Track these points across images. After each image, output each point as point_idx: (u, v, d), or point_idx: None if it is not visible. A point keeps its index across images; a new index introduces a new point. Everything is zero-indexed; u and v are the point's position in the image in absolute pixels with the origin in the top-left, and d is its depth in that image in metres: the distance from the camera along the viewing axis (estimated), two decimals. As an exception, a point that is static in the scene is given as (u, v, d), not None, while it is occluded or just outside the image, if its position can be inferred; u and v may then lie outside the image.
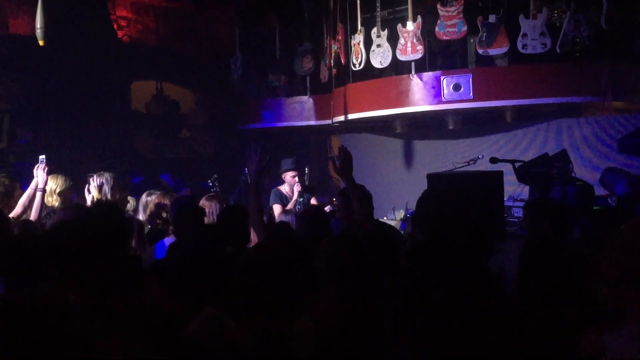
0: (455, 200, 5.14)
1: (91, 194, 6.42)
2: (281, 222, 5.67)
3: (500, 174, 5.70)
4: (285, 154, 12.88)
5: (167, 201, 6.74)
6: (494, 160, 6.59)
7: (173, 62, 12.96)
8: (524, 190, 8.48)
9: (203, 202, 6.85)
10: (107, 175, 6.56)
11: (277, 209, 7.63)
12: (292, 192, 7.80)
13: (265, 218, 5.80)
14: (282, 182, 8.10)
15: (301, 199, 7.59)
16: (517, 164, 6.48)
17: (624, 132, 8.95)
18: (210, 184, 9.35)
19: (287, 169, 7.88)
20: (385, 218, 9.29)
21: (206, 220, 6.54)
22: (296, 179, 7.72)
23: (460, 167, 8.87)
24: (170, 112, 13.46)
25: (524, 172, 6.45)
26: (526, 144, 9.86)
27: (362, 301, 3.62)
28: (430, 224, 4.25)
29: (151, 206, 6.69)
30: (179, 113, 13.67)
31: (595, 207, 7.48)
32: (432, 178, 5.58)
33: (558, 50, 8.95)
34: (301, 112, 11.75)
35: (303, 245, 4.58)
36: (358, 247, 3.87)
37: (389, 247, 4.98)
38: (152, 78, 13.37)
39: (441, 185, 5.43)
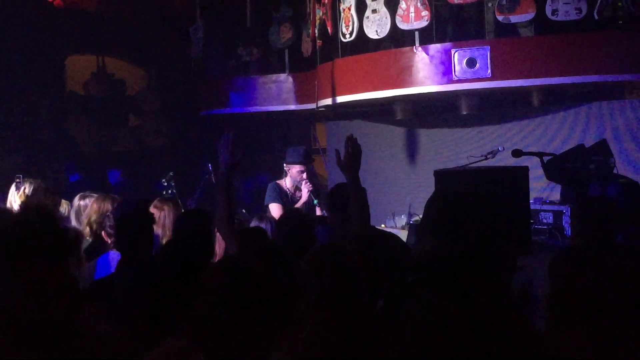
0: (470, 203, 5.18)
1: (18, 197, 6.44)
2: (255, 229, 5.68)
3: (525, 170, 5.74)
4: (257, 145, 12.98)
5: (108, 205, 6.73)
6: (517, 153, 6.64)
7: (118, 31, 12.96)
8: (555, 190, 8.55)
9: (154, 207, 6.85)
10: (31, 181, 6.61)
11: (275, 208, 7.62)
12: (295, 190, 7.80)
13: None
14: (259, 178, 8.09)
15: (315, 201, 7.58)
16: (546, 158, 6.53)
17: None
18: (165, 184, 9.36)
19: (293, 161, 7.87)
20: (383, 225, 9.30)
21: (157, 229, 6.56)
22: (304, 175, 7.72)
23: (476, 162, 8.92)
24: (114, 94, 13.47)
25: (555, 167, 6.51)
26: (557, 133, 9.90)
27: (353, 328, 3.64)
28: (439, 232, 4.28)
29: (89, 212, 6.68)
30: (126, 95, 13.66)
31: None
32: (440, 176, 5.62)
33: (596, 17, 8.99)
34: (278, 94, 11.75)
35: (282, 259, 4.60)
36: (350, 262, 3.89)
37: (389, 260, 5.03)
38: (91, 52, 13.37)
39: (452, 185, 5.45)
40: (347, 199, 5.32)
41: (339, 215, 5.62)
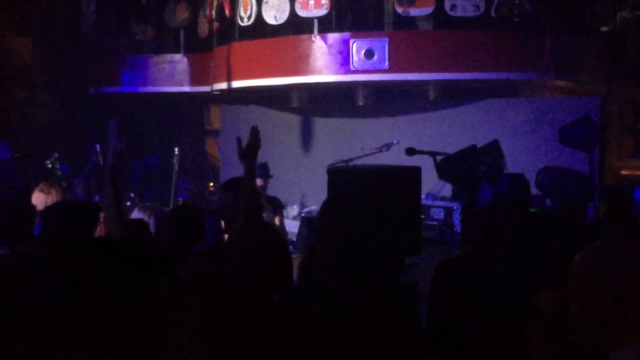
0: (362, 205, 5.22)
1: None
2: (136, 222, 5.54)
3: (417, 171, 5.77)
4: (148, 127, 12.75)
5: None
6: (411, 151, 6.68)
7: (3, -1, 12.51)
8: (447, 186, 8.70)
9: (39, 191, 6.64)
10: None
11: None
12: None
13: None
14: (149, 160, 7.93)
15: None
16: (439, 158, 6.60)
17: (567, 118, 9.25)
18: (50, 166, 9.09)
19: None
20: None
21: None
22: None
23: (370, 154, 8.99)
24: (-2, 66, 12.99)
25: (447, 167, 6.59)
26: (451, 128, 10.04)
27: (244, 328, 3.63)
28: (331, 234, 4.30)
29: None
30: (11, 67, 13.19)
31: (531, 209, 7.77)
32: (333, 173, 5.61)
33: (493, 15, 9.18)
34: (172, 74, 11.57)
35: (161, 256, 4.50)
36: (228, 267, 3.86)
37: (276, 261, 5.00)
38: (-29, 20, 12.86)
39: (345, 184, 5.46)
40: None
41: (229, 206, 5.55)
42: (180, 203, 7.11)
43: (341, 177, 5.55)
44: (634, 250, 2.73)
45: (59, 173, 9.19)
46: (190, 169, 12.79)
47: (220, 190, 5.71)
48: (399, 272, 5.16)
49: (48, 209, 5.56)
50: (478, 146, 8.04)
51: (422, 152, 6.64)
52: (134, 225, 5.31)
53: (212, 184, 13.33)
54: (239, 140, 4.87)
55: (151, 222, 5.89)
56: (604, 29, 10.03)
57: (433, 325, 4.17)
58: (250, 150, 4.73)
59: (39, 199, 6.48)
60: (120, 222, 4.82)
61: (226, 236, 5.81)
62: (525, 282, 3.76)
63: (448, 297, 4.14)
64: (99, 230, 5.63)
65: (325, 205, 4.71)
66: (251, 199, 4.92)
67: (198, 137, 13.83)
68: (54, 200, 6.56)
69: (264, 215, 7.48)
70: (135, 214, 6.06)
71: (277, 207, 7.75)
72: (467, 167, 6.65)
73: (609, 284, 2.62)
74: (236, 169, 11.17)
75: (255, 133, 4.72)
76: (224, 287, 3.72)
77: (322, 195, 9.37)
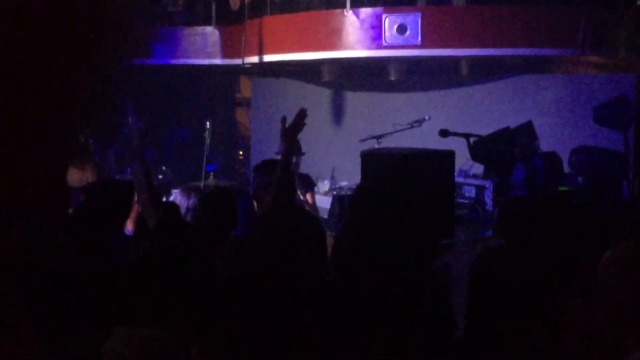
0: (396, 189, 5.20)
1: None
2: (168, 204, 5.55)
3: (451, 155, 5.74)
4: (180, 99, 12.78)
5: None
6: (444, 133, 6.63)
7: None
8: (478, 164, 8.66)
9: (74, 167, 6.69)
10: None
11: None
12: None
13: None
14: (182, 132, 7.96)
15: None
16: (472, 139, 6.56)
17: (602, 95, 9.18)
18: (83, 140, 9.15)
19: (277, 151, 7.77)
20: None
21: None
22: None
23: (401, 130, 8.97)
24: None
25: (481, 149, 6.56)
26: (483, 103, 10.00)
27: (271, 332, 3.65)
28: (363, 220, 4.31)
29: None
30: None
31: (563, 188, 7.74)
32: (367, 157, 5.59)
33: (528, -10, 9.07)
34: (204, 47, 11.55)
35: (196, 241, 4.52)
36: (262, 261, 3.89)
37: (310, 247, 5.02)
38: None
39: (378, 168, 5.45)
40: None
41: (262, 188, 5.56)
42: (213, 186, 7.10)
43: (375, 161, 5.53)
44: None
45: (92, 148, 9.24)
46: (221, 138, 12.84)
47: (254, 173, 5.71)
48: (432, 256, 5.18)
49: (88, 189, 5.62)
50: (511, 127, 8.02)
51: (455, 134, 6.59)
52: (166, 208, 5.35)
53: (241, 152, 13.38)
54: (283, 120, 4.86)
55: (191, 203, 5.92)
56: (640, 2, 9.87)
57: (471, 324, 4.16)
58: (293, 130, 4.72)
59: (74, 175, 6.55)
60: (153, 203, 4.86)
61: (258, 218, 5.83)
62: (562, 272, 3.77)
63: (487, 291, 4.13)
64: (135, 210, 5.71)
65: (358, 192, 4.71)
66: (284, 181, 4.93)
67: (229, 108, 13.85)
68: (89, 177, 6.63)
69: (301, 188, 7.54)
70: (180, 199, 6.09)
71: (309, 184, 7.75)
72: (501, 149, 6.62)
73: (632, 286, 2.65)
74: (267, 142, 11.30)
75: (302, 115, 4.69)
76: (255, 278, 3.77)
77: (353, 170, 9.43)
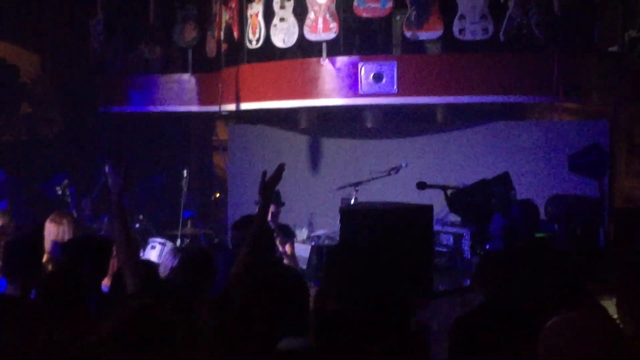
0: (374, 246, 5.24)
1: None
2: (145, 263, 5.56)
3: (429, 210, 5.82)
4: (155, 144, 12.79)
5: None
6: (421, 185, 6.73)
7: (11, 14, 12.56)
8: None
9: (51, 221, 6.68)
10: None
11: None
12: None
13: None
14: (156, 178, 7.94)
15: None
16: (449, 191, 6.64)
17: (576, 141, 9.30)
18: (60, 192, 9.11)
19: (257, 201, 7.76)
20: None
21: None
22: (269, 215, 7.57)
23: (378, 177, 9.03)
24: (6, 81, 13.00)
25: (459, 201, 6.63)
26: (460, 150, 10.09)
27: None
28: (343, 290, 4.33)
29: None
30: (19, 82, 13.24)
31: (539, 234, 7.81)
32: (346, 214, 5.64)
33: (502, 38, 9.18)
34: (180, 94, 11.57)
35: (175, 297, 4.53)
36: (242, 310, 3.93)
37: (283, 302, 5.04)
38: (-20, 35, 12.92)
39: (357, 225, 5.49)
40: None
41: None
42: (191, 247, 7.11)
43: (353, 217, 5.58)
44: (594, 330, 2.82)
45: (69, 200, 9.20)
46: (198, 182, 12.85)
47: (232, 230, 5.74)
48: (410, 312, 5.21)
49: (66, 245, 5.62)
50: (487, 174, 8.10)
51: (432, 187, 6.70)
52: (144, 265, 5.35)
53: (217, 194, 13.38)
54: (264, 174, 4.90)
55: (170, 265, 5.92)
56: (612, 49, 10.02)
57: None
58: (272, 185, 4.76)
59: (51, 230, 6.55)
60: (132, 261, 4.87)
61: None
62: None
63: (468, 352, 4.16)
64: (112, 265, 5.71)
65: (337, 249, 4.75)
66: (260, 234, 4.95)
67: (205, 152, 13.88)
68: (65, 231, 6.63)
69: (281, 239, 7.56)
70: (167, 259, 6.06)
71: (289, 235, 7.78)
72: (479, 200, 6.68)
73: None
74: (244, 187, 11.26)
75: (281, 170, 4.75)
76: (235, 333, 3.79)
77: (331, 217, 9.49)
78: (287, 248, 7.61)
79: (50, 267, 6.13)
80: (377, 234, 5.40)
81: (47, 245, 6.37)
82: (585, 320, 2.95)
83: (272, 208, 7.66)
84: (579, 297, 4.04)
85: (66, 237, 6.57)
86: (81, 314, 4.10)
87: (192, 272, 5.11)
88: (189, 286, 5.05)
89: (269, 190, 4.72)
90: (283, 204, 7.92)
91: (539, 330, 3.56)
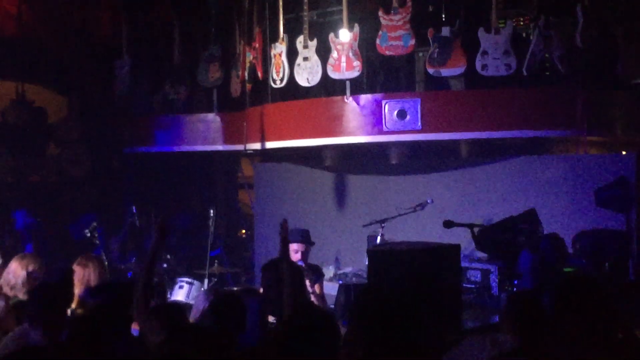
0: (403, 287, 5.25)
1: None
2: (170, 307, 5.58)
3: (457, 249, 5.83)
4: (181, 184, 12.89)
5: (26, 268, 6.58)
6: (448, 224, 6.73)
7: (39, 57, 12.75)
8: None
9: (77, 265, 6.74)
10: None
11: None
12: None
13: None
14: (184, 218, 7.99)
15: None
16: (476, 229, 6.64)
17: (602, 175, 9.26)
18: (88, 234, 9.18)
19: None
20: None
21: (80, 287, 6.47)
22: (299, 254, 7.62)
23: (404, 214, 9.04)
24: (34, 122, 13.17)
25: (485, 239, 6.63)
26: (485, 185, 10.06)
27: None
28: (372, 332, 4.33)
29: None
30: (47, 123, 13.41)
31: (568, 269, 7.77)
32: (373, 255, 5.67)
33: (525, 73, 9.20)
34: (205, 133, 11.68)
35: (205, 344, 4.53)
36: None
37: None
38: (10, 77, 13.07)
39: (384, 265, 5.50)
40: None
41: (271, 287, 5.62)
42: (220, 291, 7.12)
43: (381, 258, 5.60)
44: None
45: (97, 242, 9.27)
46: (223, 220, 12.90)
47: (263, 271, 5.77)
48: (440, 352, 5.20)
49: (95, 290, 5.68)
50: (513, 211, 8.09)
51: (459, 225, 6.69)
52: (169, 311, 5.39)
53: (244, 231, 13.43)
54: (284, 222, 4.94)
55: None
56: (636, 81, 10.01)
57: None
58: (283, 238, 4.85)
59: (77, 273, 6.61)
60: (147, 311, 4.99)
61: (270, 318, 5.86)
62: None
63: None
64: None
65: (365, 290, 4.76)
66: (293, 282, 5.00)
67: (231, 190, 13.94)
68: (92, 273, 6.70)
69: (312, 277, 7.57)
70: (202, 300, 6.09)
71: (318, 275, 7.79)
72: (506, 238, 6.68)
73: None
74: (270, 224, 11.29)
75: (284, 225, 4.83)
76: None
77: (358, 254, 9.51)
78: (317, 288, 7.62)
79: (80, 311, 6.20)
80: (405, 274, 5.41)
81: (77, 289, 6.42)
82: None
83: (301, 247, 7.70)
84: (617, 331, 4.02)
85: (92, 280, 6.64)
86: (108, 358, 4.14)
87: (222, 317, 5.12)
88: (219, 331, 5.06)
89: (285, 247, 4.83)
90: (313, 244, 7.92)
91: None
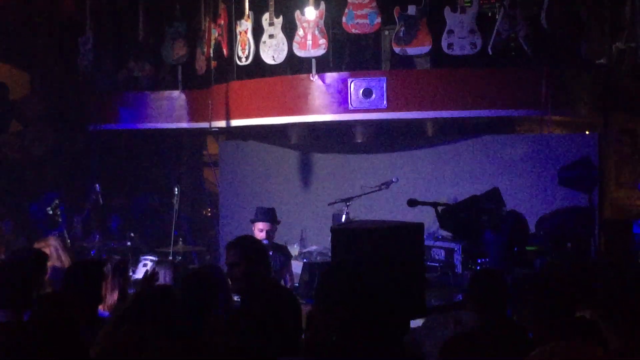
0: (367, 266, 5.25)
1: None
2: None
3: (420, 228, 5.82)
4: (148, 161, 12.80)
5: None
6: (412, 202, 6.74)
7: (1, 33, 12.56)
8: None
9: (38, 244, 6.71)
10: None
11: None
12: None
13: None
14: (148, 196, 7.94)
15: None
16: (440, 208, 6.65)
17: (565, 155, 9.33)
18: (51, 212, 9.09)
19: (253, 219, 7.80)
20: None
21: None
22: (264, 233, 7.59)
23: (369, 192, 9.04)
24: (-5, 98, 13.01)
25: (449, 218, 6.65)
26: (450, 163, 10.11)
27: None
28: (336, 310, 4.34)
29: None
30: (8, 100, 13.23)
31: (530, 248, 7.83)
32: (337, 233, 5.64)
33: (490, 52, 9.22)
34: (170, 110, 11.57)
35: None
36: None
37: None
38: (-30, 53, 12.91)
39: (348, 244, 5.49)
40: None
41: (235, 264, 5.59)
42: (191, 269, 7.10)
43: (345, 237, 5.57)
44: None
45: (59, 219, 9.19)
46: (188, 198, 12.83)
47: (227, 249, 5.73)
48: (403, 332, 5.22)
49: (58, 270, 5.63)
50: (477, 189, 8.13)
51: (423, 203, 6.71)
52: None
53: (209, 210, 13.38)
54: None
55: (168, 277, 5.96)
56: (600, 61, 10.07)
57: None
58: None
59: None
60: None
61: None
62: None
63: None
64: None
65: (329, 269, 4.76)
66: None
67: (196, 168, 13.86)
68: (53, 253, 6.67)
69: (278, 258, 7.58)
70: (161, 273, 6.09)
71: (286, 255, 7.79)
72: (469, 217, 6.70)
73: None
74: (235, 202, 11.25)
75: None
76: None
77: (323, 233, 9.50)
78: (285, 269, 7.65)
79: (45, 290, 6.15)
80: (369, 253, 5.40)
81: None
82: (570, 352, 2.98)
83: (267, 226, 7.69)
84: (574, 320, 4.04)
85: (55, 259, 6.61)
86: (71, 340, 4.08)
87: (194, 298, 5.05)
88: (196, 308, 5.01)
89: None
90: (279, 222, 7.92)
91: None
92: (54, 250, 6.76)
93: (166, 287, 5.37)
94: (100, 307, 5.51)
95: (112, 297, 5.79)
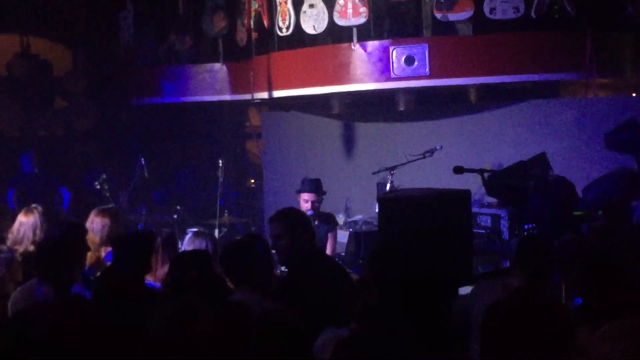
0: (414, 234, 5.28)
1: None
2: (193, 254, 5.57)
3: (467, 194, 5.82)
4: (190, 134, 12.91)
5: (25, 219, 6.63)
6: (458, 170, 6.73)
7: (44, 10, 12.70)
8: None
9: (95, 216, 6.79)
10: None
11: None
12: None
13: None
14: (192, 168, 7.95)
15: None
16: (486, 175, 6.65)
17: (611, 118, 9.22)
18: (98, 187, 9.23)
19: (298, 190, 7.86)
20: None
21: (93, 240, 6.51)
22: (309, 204, 7.64)
23: (414, 160, 9.03)
24: (40, 76, 13.17)
25: (495, 184, 6.63)
26: (493, 130, 10.05)
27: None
28: (386, 280, 4.37)
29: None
30: (52, 77, 13.40)
31: (577, 212, 7.79)
32: (384, 202, 5.67)
33: (533, 16, 9.15)
34: (212, 83, 11.65)
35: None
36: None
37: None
38: (14, 30, 13.05)
39: (395, 213, 5.51)
40: None
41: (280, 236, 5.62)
42: (230, 240, 7.17)
43: (392, 206, 5.60)
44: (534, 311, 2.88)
45: (108, 194, 9.33)
46: (232, 170, 12.92)
47: (269, 222, 5.77)
48: (451, 299, 5.24)
49: (116, 241, 5.66)
50: (523, 156, 8.09)
51: (469, 170, 6.70)
52: (191, 257, 5.42)
53: (252, 180, 13.47)
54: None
55: (204, 246, 6.01)
56: (645, 23, 9.95)
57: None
58: None
59: (96, 223, 6.66)
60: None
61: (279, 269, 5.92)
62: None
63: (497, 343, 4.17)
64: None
65: (376, 238, 4.81)
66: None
67: (239, 140, 13.95)
68: (108, 224, 6.74)
69: (322, 227, 7.60)
70: (189, 243, 6.15)
71: (331, 224, 7.81)
72: (516, 183, 6.69)
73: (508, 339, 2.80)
74: (279, 173, 11.31)
75: None
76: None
77: (367, 202, 9.54)
78: (330, 237, 7.67)
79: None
80: (415, 221, 5.42)
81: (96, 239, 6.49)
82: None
83: (312, 197, 7.72)
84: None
85: (106, 232, 6.69)
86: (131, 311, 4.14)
87: (231, 269, 5.09)
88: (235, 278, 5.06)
89: None
90: (324, 193, 7.95)
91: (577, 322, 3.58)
92: (107, 224, 6.82)
93: (200, 251, 5.46)
94: (151, 278, 5.59)
95: (163, 270, 5.86)
